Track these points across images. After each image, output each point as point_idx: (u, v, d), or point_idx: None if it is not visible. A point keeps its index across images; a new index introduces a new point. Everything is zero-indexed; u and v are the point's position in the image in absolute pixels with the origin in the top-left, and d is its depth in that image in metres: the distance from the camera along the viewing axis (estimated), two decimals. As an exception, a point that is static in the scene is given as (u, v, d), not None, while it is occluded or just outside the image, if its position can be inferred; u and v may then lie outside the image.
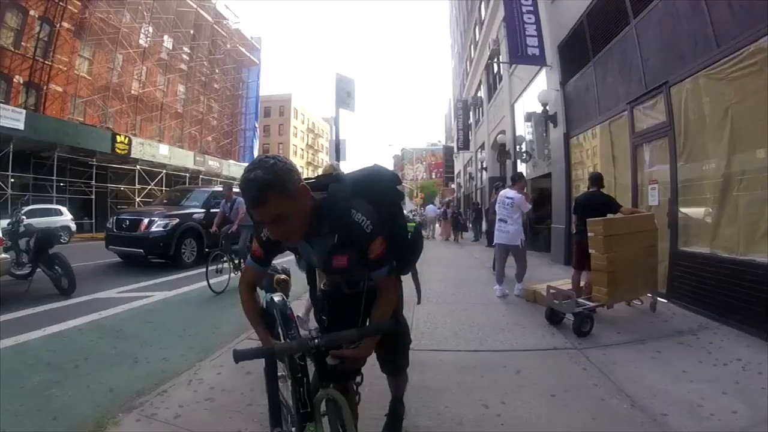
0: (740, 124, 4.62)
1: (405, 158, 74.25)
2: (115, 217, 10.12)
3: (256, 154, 42.66)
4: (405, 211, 2.06)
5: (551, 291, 4.82)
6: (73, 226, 17.70)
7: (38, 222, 10.15)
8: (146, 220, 9.39)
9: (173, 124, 31.50)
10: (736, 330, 4.29)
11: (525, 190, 6.81)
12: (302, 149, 64.87)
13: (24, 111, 17.68)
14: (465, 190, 32.70)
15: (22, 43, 20.09)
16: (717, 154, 4.98)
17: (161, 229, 9.38)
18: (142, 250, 9.31)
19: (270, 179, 1.34)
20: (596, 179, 5.65)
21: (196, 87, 34.08)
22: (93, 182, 21.18)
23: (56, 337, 4.43)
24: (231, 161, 34.83)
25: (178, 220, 9.78)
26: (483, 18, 19.22)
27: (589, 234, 4.83)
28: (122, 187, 23.47)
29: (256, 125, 43.45)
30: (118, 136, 21.84)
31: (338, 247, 1.57)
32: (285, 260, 3.66)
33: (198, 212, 10.61)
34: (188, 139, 33.21)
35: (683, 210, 5.61)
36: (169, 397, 3.00)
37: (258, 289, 2.12)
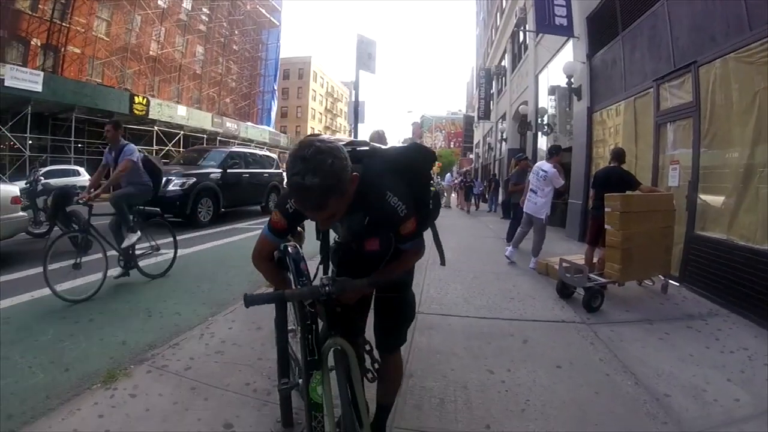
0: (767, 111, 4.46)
1: (424, 126, 73.33)
2: (132, 176, 10.18)
3: (273, 116, 42.58)
4: None
5: (564, 264, 4.80)
6: (91, 186, 17.97)
7: (56, 182, 10.32)
8: (163, 179, 9.46)
9: (191, 85, 31.49)
10: (745, 319, 4.22)
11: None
12: (321, 113, 64.49)
13: (42, 73, 17.80)
14: (483, 161, 32.38)
15: (39, 6, 20.03)
16: (741, 140, 4.80)
17: (178, 188, 9.47)
18: (158, 209, 9.41)
19: (331, 185, 1.25)
20: (617, 155, 5.55)
21: (215, 48, 33.91)
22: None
23: (72, 292, 4.45)
24: (249, 123, 34.86)
25: (194, 179, 9.85)
26: (511, -15, 18.64)
27: (606, 209, 4.76)
28: (139, 148, 23.57)
29: (275, 88, 43.24)
30: (136, 97, 21.94)
31: (370, 228, 1.55)
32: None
33: (215, 172, 10.68)
34: (206, 100, 33.24)
35: (703, 194, 5.48)
36: (181, 350, 3.08)
37: None
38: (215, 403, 2.40)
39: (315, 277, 1.80)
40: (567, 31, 10.21)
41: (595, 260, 5.35)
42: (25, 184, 7.16)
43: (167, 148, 24.38)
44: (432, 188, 1.85)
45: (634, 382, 2.85)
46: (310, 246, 2.23)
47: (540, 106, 13.89)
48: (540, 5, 10.25)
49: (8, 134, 17.36)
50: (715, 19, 5.22)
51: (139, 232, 5.19)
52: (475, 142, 39.71)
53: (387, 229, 1.56)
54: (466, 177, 21.23)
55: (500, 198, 17.69)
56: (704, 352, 3.41)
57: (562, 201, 9.89)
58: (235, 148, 13.34)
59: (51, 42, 20.61)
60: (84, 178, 17.50)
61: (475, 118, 33.62)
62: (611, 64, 8.61)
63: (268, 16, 39.90)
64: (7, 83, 16.07)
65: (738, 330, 3.97)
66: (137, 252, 5.26)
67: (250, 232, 8.94)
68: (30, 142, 18.08)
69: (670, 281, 5.26)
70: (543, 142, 13.59)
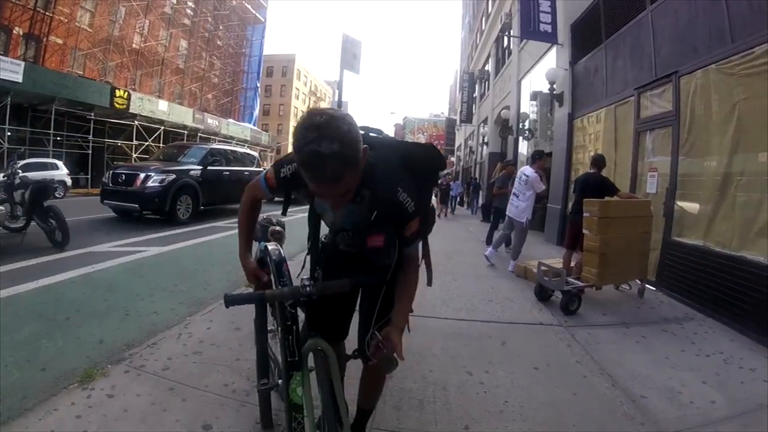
0: (746, 123, 4.56)
1: (407, 127, 73.45)
2: (111, 172, 10.02)
3: (255, 114, 42.23)
4: None
5: (542, 268, 4.87)
6: (69, 181, 17.68)
7: (34, 176, 10.09)
8: (142, 175, 9.32)
9: (174, 80, 31.08)
10: (721, 323, 4.34)
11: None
12: (303, 111, 63.92)
13: (23, 63, 17.35)
14: (464, 164, 32.64)
15: (23, -6, 19.60)
16: (719, 150, 4.93)
17: (157, 184, 9.32)
18: (137, 205, 9.29)
19: (349, 155, 1.16)
20: (597, 161, 5.68)
21: (199, 43, 33.52)
22: (90, 137, 21.00)
23: (49, 289, 4.43)
24: (231, 120, 34.50)
25: (174, 176, 9.72)
26: (497, -10, 18.82)
27: (584, 214, 4.85)
28: (119, 142, 23.25)
29: (258, 85, 42.89)
30: (117, 91, 21.53)
31: (375, 224, 1.44)
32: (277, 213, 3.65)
33: (195, 169, 10.55)
34: (188, 95, 32.83)
35: (680, 201, 5.61)
36: (158, 350, 3.04)
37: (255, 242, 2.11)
38: (194, 403, 2.37)
39: (300, 272, 1.78)
40: (551, 38, 10.36)
41: (572, 264, 5.44)
42: (3, 177, 6.97)
43: (147, 143, 23.98)
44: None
45: (611, 383, 2.91)
46: (291, 246, 2.22)
47: (522, 111, 14.04)
48: (525, 11, 10.38)
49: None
50: (697, 30, 5.34)
51: None
52: (456, 145, 40.04)
53: (392, 225, 1.46)
54: (444, 178, 19.60)
55: (480, 201, 17.82)
56: (680, 355, 3.48)
57: (541, 206, 10.00)
58: (215, 145, 13.19)
59: (33, 31, 20.17)
60: (62, 171, 17.18)
61: (458, 121, 33.88)
62: (593, 72, 8.75)
63: (254, 12, 39.58)
64: (-14, 72, 15.67)
65: (713, 334, 4.07)
66: None
67: (230, 230, 8.84)
68: (9, 133, 17.63)
69: (647, 285, 5.36)
70: (524, 147, 13.76)
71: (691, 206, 5.45)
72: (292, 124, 58.22)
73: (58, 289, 4.46)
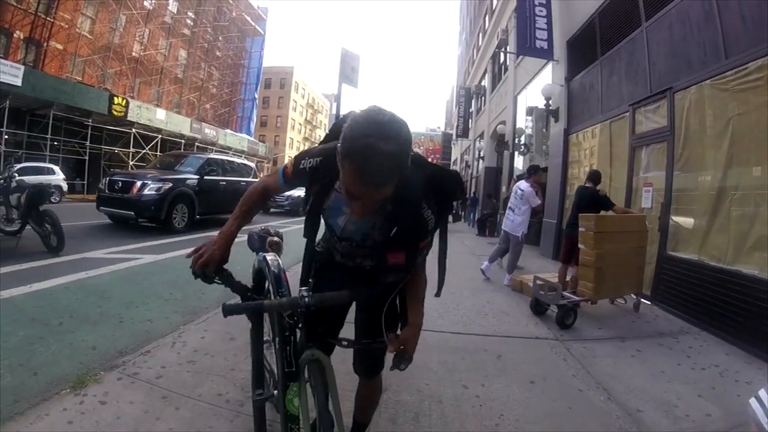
0: (740, 138, 4.63)
1: (404, 141, 73.63)
2: (108, 178, 9.98)
3: (254, 125, 42.33)
4: None
5: (538, 282, 4.88)
6: (65, 186, 17.58)
7: (30, 180, 10.05)
8: (139, 183, 9.30)
9: (172, 89, 31.14)
10: (716, 337, 4.36)
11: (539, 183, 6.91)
12: (300, 124, 64.26)
13: (23, 67, 17.29)
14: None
15: (24, -1, 19.68)
16: (714, 164, 4.99)
17: (153, 192, 9.28)
18: (133, 213, 9.24)
19: (402, 161, 1.11)
20: (591, 176, 5.71)
21: (198, 53, 33.66)
22: (87, 143, 20.90)
23: (42, 293, 4.40)
24: (228, 131, 34.48)
25: (171, 184, 9.69)
26: (494, 7, 19.06)
27: (580, 229, 4.87)
28: (116, 149, 23.19)
29: (256, 96, 43.05)
30: (115, 98, 21.50)
31: (395, 240, 1.39)
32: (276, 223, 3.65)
33: (192, 178, 10.53)
34: (186, 105, 32.88)
35: (675, 216, 5.65)
36: (152, 358, 3.01)
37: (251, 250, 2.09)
38: (187, 412, 2.35)
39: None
40: (547, 54, 10.49)
41: (568, 278, 5.45)
42: None
43: (144, 151, 23.94)
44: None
45: (607, 397, 2.90)
46: (289, 257, 2.21)
47: (518, 126, 14.17)
48: (522, 28, 10.53)
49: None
50: (692, 46, 5.43)
51: None
52: (452, 159, 40.22)
53: (412, 241, 1.42)
54: None
55: (477, 215, 17.80)
56: (676, 368, 3.49)
57: (537, 220, 10.02)
58: (213, 155, 13.17)
59: (34, 36, 20.18)
60: (58, 176, 17.10)
61: (454, 136, 34.10)
62: (589, 88, 8.85)
63: (253, 24, 39.84)
64: (-14, 75, 15.64)
65: (709, 347, 4.08)
66: None
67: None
68: (6, 137, 17.57)
69: (642, 300, 5.38)
70: (519, 162, 13.84)
71: (686, 220, 5.49)
72: (289, 135, 58.40)
73: (52, 294, 4.42)
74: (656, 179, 6.15)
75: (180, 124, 27.06)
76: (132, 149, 23.39)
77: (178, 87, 31.79)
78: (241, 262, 1.71)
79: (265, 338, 2.15)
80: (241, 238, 1.68)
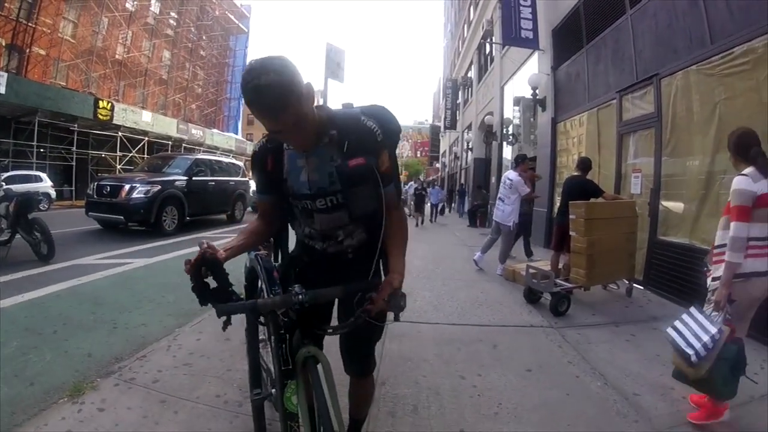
0: (727, 122, 4.65)
1: (391, 134, 73.75)
2: (96, 183, 9.91)
3: (240, 124, 42.06)
4: None
5: (530, 270, 4.90)
6: (53, 193, 17.40)
7: (18, 188, 9.92)
8: (127, 186, 9.22)
9: (157, 90, 30.82)
10: (708, 320, 4.40)
11: (527, 172, 6.91)
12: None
13: (5, 74, 17.04)
14: (450, 170, 32.82)
15: (6, 4, 19.30)
16: (702, 149, 5.03)
17: (142, 195, 9.23)
18: (122, 217, 9.18)
19: (286, 81, 1.22)
20: (581, 164, 5.74)
21: (182, 53, 33.32)
22: (74, 148, 20.70)
23: (35, 303, 4.36)
24: (215, 130, 34.27)
25: (159, 186, 9.63)
26: (478, -2, 19.05)
27: (570, 216, 4.90)
28: (103, 153, 22.96)
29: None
30: (100, 102, 21.26)
31: (350, 153, 1.46)
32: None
33: (180, 179, 10.46)
34: (172, 106, 32.58)
35: (664, 201, 5.70)
36: (148, 362, 3.00)
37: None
38: (186, 416, 2.35)
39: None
40: (532, 44, 10.50)
41: (560, 266, 5.48)
42: None
43: (131, 154, 23.72)
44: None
45: (603, 382, 2.94)
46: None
47: (505, 116, 14.18)
48: (506, 18, 10.51)
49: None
50: (677, 33, 5.46)
51: None
52: (441, 151, 40.30)
53: (368, 153, 1.47)
54: (421, 185, 17.77)
55: (467, 206, 17.81)
56: (670, 352, 3.52)
57: (528, 209, 10.02)
58: (200, 156, 13.10)
59: (16, 42, 19.85)
60: (46, 184, 16.91)
61: (442, 128, 34.08)
62: (575, 76, 8.87)
63: (237, 22, 39.50)
64: (-30, 84, 15.41)
65: (701, 330, 4.12)
66: None
67: (216, 241, 8.73)
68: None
69: (635, 285, 5.43)
70: (508, 152, 13.87)
71: (676, 205, 5.54)
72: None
73: (45, 302, 4.39)
74: (645, 165, 6.19)
75: (166, 126, 26.84)
76: (119, 153, 23.16)
77: (163, 88, 31.48)
78: (230, 264, 1.70)
79: (261, 337, 2.15)
80: (196, 248, 1.67)
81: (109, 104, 21.80)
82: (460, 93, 26.06)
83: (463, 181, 22.72)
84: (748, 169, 2.45)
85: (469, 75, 23.08)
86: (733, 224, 2.40)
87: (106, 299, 4.63)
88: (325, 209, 1.56)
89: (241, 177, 13.53)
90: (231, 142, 34.95)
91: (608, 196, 5.55)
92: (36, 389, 2.62)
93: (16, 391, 2.57)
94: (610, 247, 4.86)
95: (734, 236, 2.38)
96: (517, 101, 11.59)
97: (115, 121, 22.01)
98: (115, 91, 26.14)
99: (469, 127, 22.30)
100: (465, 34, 23.95)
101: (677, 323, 2.60)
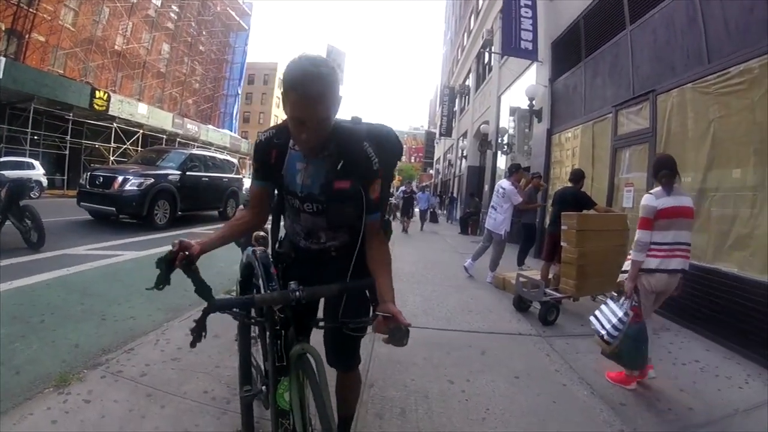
0: (721, 140, 4.73)
1: (386, 140, 74.14)
2: (88, 174, 9.82)
3: (236, 121, 41.96)
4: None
5: (521, 279, 4.93)
6: (45, 181, 17.23)
7: (10, 174, 9.82)
8: (120, 178, 9.16)
9: (154, 83, 30.71)
10: (696, 334, 4.46)
11: (521, 182, 6.94)
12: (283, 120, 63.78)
13: (3, 59, 16.86)
14: (443, 177, 32.91)
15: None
16: (695, 166, 5.09)
17: (135, 188, 9.18)
18: (114, 209, 9.11)
19: (333, 79, 1.34)
20: (574, 175, 5.78)
21: (181, 47, 33.24)
22: (68, 137, 20.52)
23: (23, 290, 4.33)
24: (210, 126, 34.10)
25: (152, 180, 9.59)
26: (480, 7, 19.12)
27: (562, 227, 4.93)
28: (97, 144, 22.77)
29: (239, 92, 42.66)
30: (97, 92, 21.10)
31: (341, 173, 1.53)
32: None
33: (174, 174, 10.42)
34: (168, 100, 32.46)
35: (656, 215, 5.74)
36: (136, 356, 2.99)
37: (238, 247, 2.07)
38: (173, 410, 2.34)
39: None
40: (531, 55, 10.57)
41: (550, 276, 5.52)
42: None
43: (126, 146, 23.55)
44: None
45: (590, 391, 2.97)
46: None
47: (501, 126, 14.26)
48: (507, 29, 10.59)
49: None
50: (675, 50, 5.53)
51: None
52: (435, 157, 40.44)
53: (359, 178, 1.53)
54: (411, 190, 16.44)
55: (458, 213, 17.78)
56: (657, 364, 3.55)
57: (518, 219, 10.07)
58: (195, 151, 13.02)
59: (16, 27, 19.73)
60: (38, 171, 16.74)
61: (437, 135, 34.26)
62: (572, 89, 8.95)
63: (238, 19, 39.48)
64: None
65: (689, 344, 4.18)
66: None
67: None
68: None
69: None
70: (502, 161, 13.95)
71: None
72: (273, 132, 57.94)
73: (33, 291, 4.36)
74: (637, 180, 6.25)
75: (162, 119, 26.68)
76: (113, 144, 23.01)
77: (160, 81, 31.35)
78: (224, 259, 1.70)
79: (252, 334, 2.14)
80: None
81: (106, 95, 21.65)
82: (457, 101, 26.19)
83: (455, 189, 22.74)
84: (656, 189, 3.15)
85: (466, 83, 23.20)
86: (638, 231, 3.08)
87: (95, 290, 4.60)
88: (310, 212, 1.63)
89: (235, 174, 13.48)
90: (226, 138, 34.82)
91: (600, 209, 5.60)
92: (22, 378, 2.60)
93: (2, 380, 2.55)
94: (600, 258, 4.89)
95: (637, 240, 3.07)
96: (513, 111, 11.67)
97: (110, 112, 21.85)
98: (112, 82, 26.01)
99: (465, 135, 22.40)
100: (465, 43, 24.06)
101: (596, 311, 3.30)
